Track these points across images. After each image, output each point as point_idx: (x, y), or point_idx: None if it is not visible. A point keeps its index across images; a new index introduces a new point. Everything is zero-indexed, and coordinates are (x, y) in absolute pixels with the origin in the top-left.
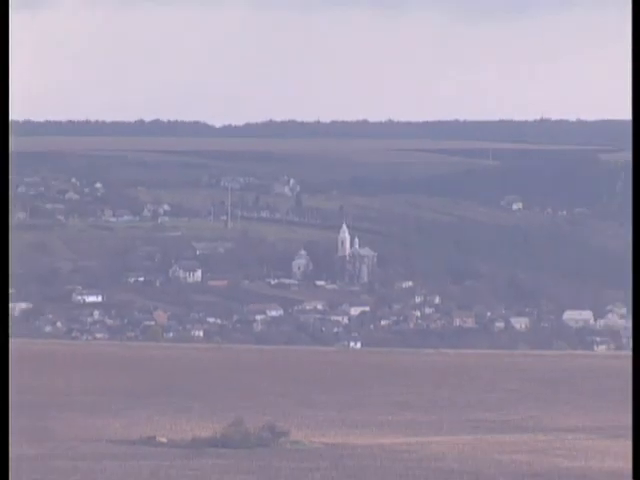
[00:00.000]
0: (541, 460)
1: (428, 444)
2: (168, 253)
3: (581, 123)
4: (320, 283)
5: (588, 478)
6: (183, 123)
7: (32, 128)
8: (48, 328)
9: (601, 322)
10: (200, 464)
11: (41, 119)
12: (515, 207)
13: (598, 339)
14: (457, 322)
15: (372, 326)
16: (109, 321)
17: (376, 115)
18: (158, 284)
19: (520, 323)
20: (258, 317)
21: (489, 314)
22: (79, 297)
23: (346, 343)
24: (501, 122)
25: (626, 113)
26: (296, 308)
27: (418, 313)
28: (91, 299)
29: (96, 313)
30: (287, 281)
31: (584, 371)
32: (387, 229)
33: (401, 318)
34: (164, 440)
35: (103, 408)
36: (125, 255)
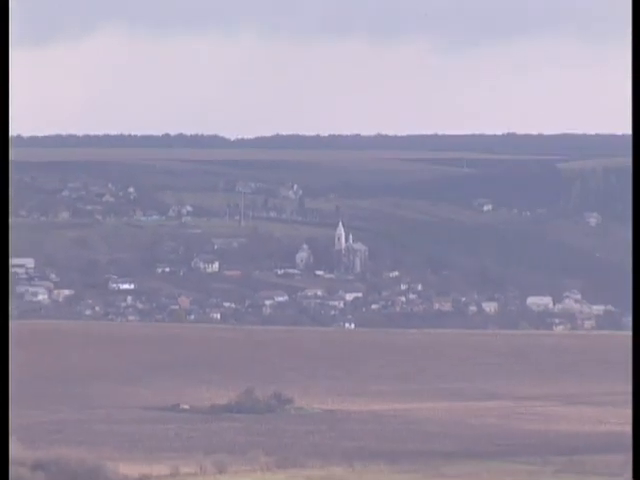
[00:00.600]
0: (507, 423)
1: (412, 410)
2: (190, 247)
3: (541, 137)
4: (319, 273)
5: (548, 439)
6: (203, 136)
7: (74, 141)
8: (88, 311)
9: (559, 306)
10: (217, 427)
11: (81, 133)
12: (485, 208)
13: (556, 321)
14: (436, 306)
15: (364, 309)
16: (140, 305)
17: (367, 130)
18: (181, 274)
19: (490, 307)
20: (267, 302)
21: (463, 299)
22: (114, 285)
23: (342, 324)
24: (474, 136)
25: (581, 127)
26: (299, 294)
27: (403, 298)
28: (124, 287)
29: (129, 298)
30: (291, 271)
31: (544, 348)
32: (376, 227)
33: (389, 303)
34: (187, 407)
35: (135, 379)
36: (153, 249)
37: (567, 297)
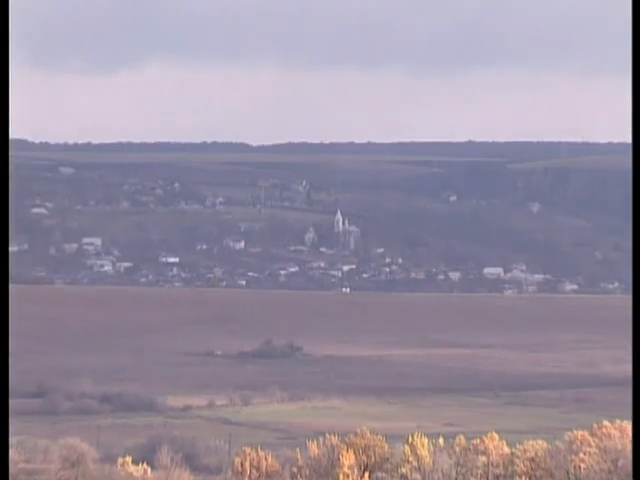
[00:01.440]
0: (469, 366)
1: (394, 355)
2: (222, 230)
3: (495, 144)
4: (323, 249)
5: (499, 378)
6: (232, 143)
7: (132, 147)
8: (143, 279)
9: (508, 275)
10: (243, 369)
11: (138, 141)
12: (451, 199)
13: (506, 286)
14: (412, 275)
15: (357, 278)
16: (183, 274)
17: (360, 138)
18: (215, 250)
19: (454, 276)
20: (282, 272)
21: (434, 270)
22: (163, 259)
23: (340, 289)
24: (442, 143)
25: (526, 136)
26: (307, 266)
27: (387, 269)
28: (171, 260)
29: (174, 269)
30: (300, 248)
31: (497, 307)
32: (366, 214)
33: (376, 272)
34: (219, 353)
35: (179, 331)
36: (194, 231)
37: (514, 268)
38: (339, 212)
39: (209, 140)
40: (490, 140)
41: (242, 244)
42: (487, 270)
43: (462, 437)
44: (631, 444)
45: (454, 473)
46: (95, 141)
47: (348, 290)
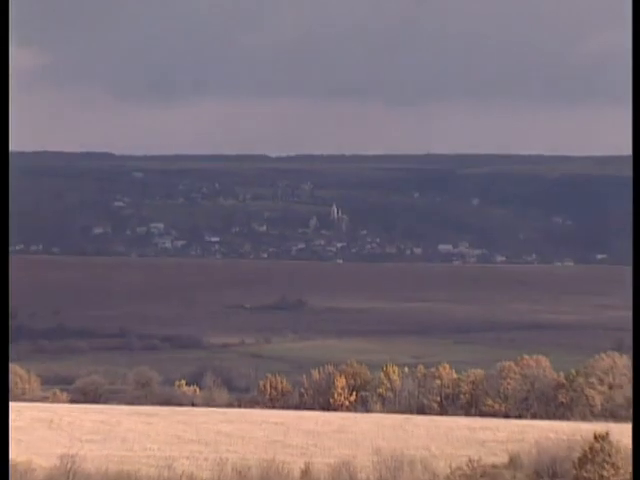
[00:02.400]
0: (428, 315)
1: (376, 308)
2: (251, 218)
3: (448, 155)
4: (322, 232)
5: (454, 323)
6: (256, 155)
7: (186, 158)
8: (193, 253)
9: (456, 250)
10: (265, 318)
11: (192, 153)
12: (415, 196)
13: (454, 258)
14: (387, 250)
15: (347, 252)
16: (222, 249)
17: (349, 151)
18: (245, 232)
19: (417, 250)
20: (293, 248)
21: (402, 246)
22: (207, 238)
23: (335, 260)
24: (409, 155)
25: (471, 149)
26: (311, 244)
27: (369, 246)
28: (213, 239)
29: (216, 246)
30: (306, 231)
31: (448, 273)
32: (354, 206)
33: (361, 248)
34: (248, 306)
35: (218, 290)
36: (230, 218)
37: (460, 245)
38: (334, 205)
39: (241, 153)
40: (445, 152)
41: (264, 227)
42: (441, 247)
43: (422, 366)
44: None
45: (416, 392)
46: (159, 153)
47: (341, 261)
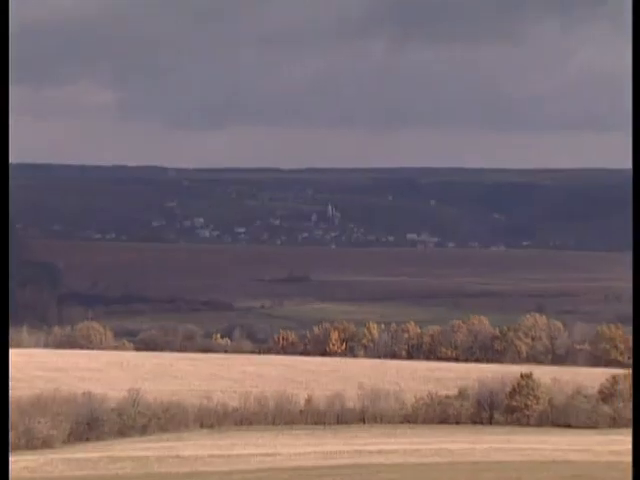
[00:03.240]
0: (400, 286)
1: (363, 281)
2: (269, 214)
3: (411, 167)
4: (321, 225)
5: (417, 291)
6: (272, 168)
7: (220, 171)
8: (225, 240)
9: (419, 238)
10: (280, 287)
11: (222, 167)
12: (389, 198)
13: (418, 244)
14: (369, 238)
15: (339, 240)
16: (247, 237)
17: (342, 165)
18: (264, 225)
19: (391, 239)
20: (299, 236)
21: (380, 235)
22: (236, 230)
23: (330, 246)
24: (384, 168)
25: (429, 163)
26: (312, 233)
27: (355, 235)
28: (240, 230)
29: (242, 235)
30: (309, 224)
31: (414, 255)
32: (344, 206)
33: (349, 237)
34: (267, 278)
35: (243, 268)
36: (253, 215)
37: (422, 234)
38: (329, 205)
39: (261, 166)
40: (410, 166)
41: (278, 222)
42: (408, 235)
43: (394, 324)
44: None
45: (390, 343)
46: (201, 167)
47: (334, 246)
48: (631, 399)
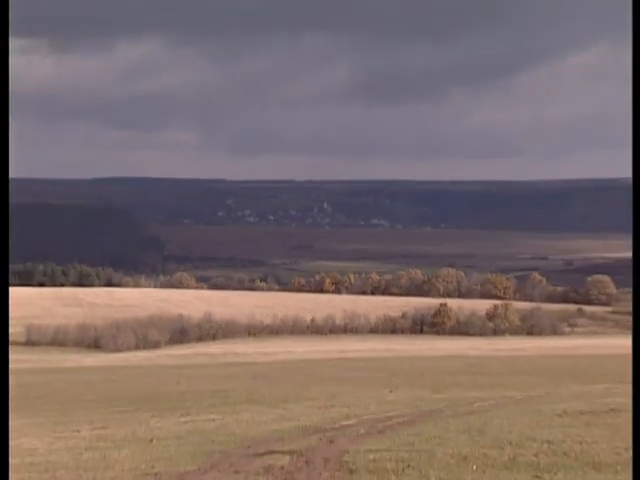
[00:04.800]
0: (378, 251)
1: (346, 248)
2: (287, 208)
3: (379, 180)
4: (320, 214)
5: (385, 254)
6: (289, 180)
7: (256, 182)
8: (261, 224)
9: (379, 222)
10: (295, 253)
11: (258, 179)
12: (362, 199)
13: (379, 227)
14: (349, 222)
15: (331, 224)
16: (274, 223)
17: (334, 177)
18: (285, 214)
19: (362, 223)
20: (306, 221)
21: (356, 221)
22: (269, 217)
23: (325, 227)
24: (362, 180)
25: (387, 176)
26: (315, 219)
27: (340, 221)
28: (272, 217)
29: (272, 221)
30: (313, 214)
31: (377, 233)
32: (334, 203)
33: (337, 222)
34: (286, 247)
35: (272, 241)
36: (278, 208)
37: (380, 220)
38: (325, 202)
39: (282, 179)
40: (378, 179)
41: (294, 212)
42: (372, 221)
43: (364, 274)
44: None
45: (361, 285)
46: (245, 179)
47: (328, 227)
48: (515, 323)
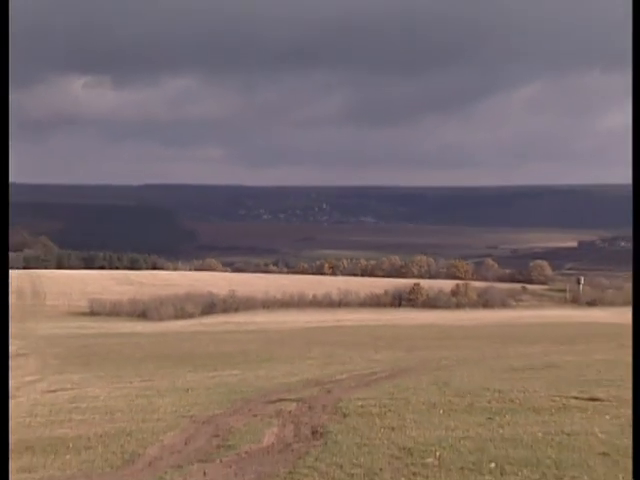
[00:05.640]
0: (357, 239)
1: (341, 239)
2: (295, 208)
3: (361, 186)
4: (319, 213)
5: (371, 244)
6: (295, 186)
7: (269, 187)
8: (273, 221)
9: (363, 220)
10: (299, 244)
11: (273, 185)
12: (354, 200)
13: (364, 223)
14: (343, 219)
15: (329, 221)
16: (284, 220)
17: (330, 183)
18: (292, 213)
19: (353, 220)
20: (309, 219)
21: (347, 219)
22: (279, 216)
23: (324, 224)
24: (350, 186)
25: (368, 182)
26: (315, 217)
27: (336, 218)
28: (281, 216)
29: (282, 219)
30: (314, 212)
31: (362, 228)
32: (331, 203)
33: (333, 219)
34: (293, 239)
35: (282, 235)
36: (287, 207)
37: (367, 217)
38: (324, 203)
39: (291, 185)
40: (364, 185)
41: (299, 212)
42: (361, 218)
43: (355, 259)
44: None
45: (352, 269)
46: (263, 185)
47: (326, 224)
48: (473, 299)
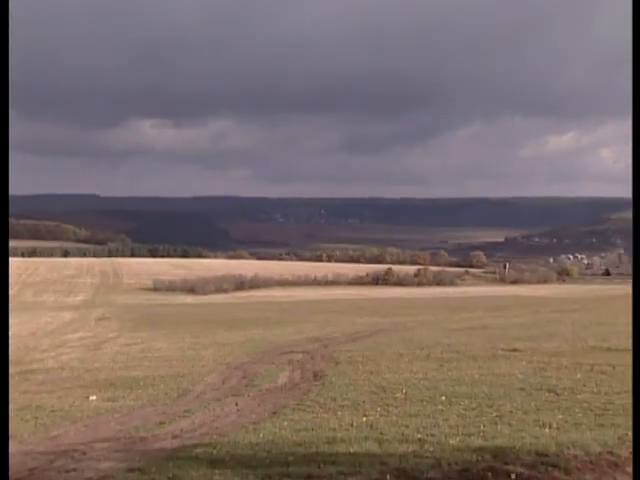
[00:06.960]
0: (346, 235)
1: (339, 236)
2: (300, 213)
3: (344, 198)
4: (318, 217)
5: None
6: (303, 198)
7: (283, 199)
8: (286, 223)
9: (353, 221)
10: (303, 238)
11: (288, 197)
12: (346, 207)
13: (355, 224)
14: (337, 221)
15: (326, 222)
16: (294, 222)
17: (330, 195)
18: (300, 217)
19: (343, 222)
20: (312, 221)
21: (339, 221)
22: (291, 219)
23: (322, 225)
24: (343, 198)
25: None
26: (316, 219)
27: (332, 220)
28: (291, 219)
29: (292, 221)
30: (315, 216)
31: (351, 228)
32: (328, 209)
33: (329, 221)
34: (300, 234)
35: (293, 232)
36: (298, 212)
37: (356, 220)
38: (322, 209)
39: (299, 197)
40: (343, 197)
41: (304, 216)
42: (350, 220)
43: (346, 250)
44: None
45: (345, 258)
46: (279, 197)
47: (324, 225)
48: (430, 279)
